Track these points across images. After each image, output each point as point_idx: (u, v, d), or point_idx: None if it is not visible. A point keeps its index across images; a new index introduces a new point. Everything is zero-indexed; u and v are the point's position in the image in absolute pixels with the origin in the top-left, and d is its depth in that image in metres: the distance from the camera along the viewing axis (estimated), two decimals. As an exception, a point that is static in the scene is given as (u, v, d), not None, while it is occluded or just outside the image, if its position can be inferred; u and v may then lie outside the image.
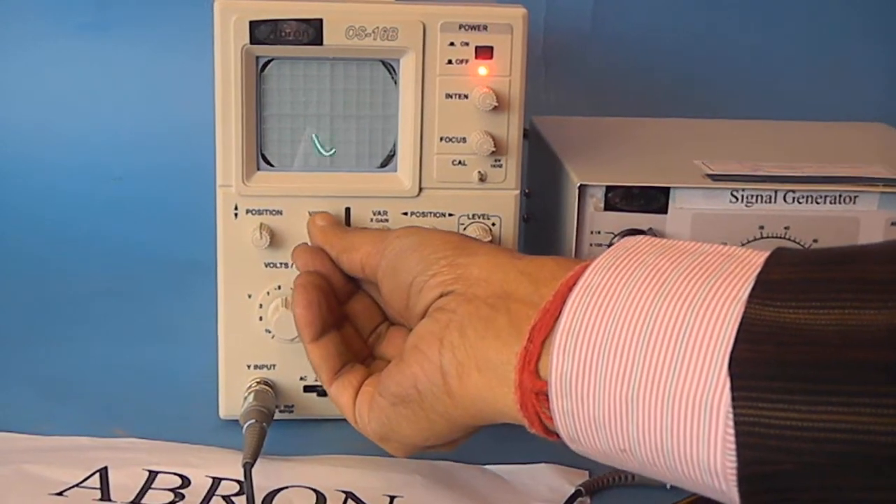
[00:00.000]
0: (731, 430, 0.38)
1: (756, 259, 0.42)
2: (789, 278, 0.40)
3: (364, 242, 0.58)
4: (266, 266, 0.62)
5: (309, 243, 0.62)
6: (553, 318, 0.45)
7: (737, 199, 0.64)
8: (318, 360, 0.57)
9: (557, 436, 0.46)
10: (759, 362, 0.38)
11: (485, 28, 0.60)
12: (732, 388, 0.38)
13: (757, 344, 0.38)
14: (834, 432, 0.36)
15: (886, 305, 0.37)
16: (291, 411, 0.64)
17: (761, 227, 0.64)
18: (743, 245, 0.64)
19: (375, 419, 0.54)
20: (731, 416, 0.38)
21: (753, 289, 0.40)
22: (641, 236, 0.47)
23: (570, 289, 0.45)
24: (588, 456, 0.46)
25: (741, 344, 0.38)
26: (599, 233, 0.64)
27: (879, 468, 0.36)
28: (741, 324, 0.39)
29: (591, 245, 0.64)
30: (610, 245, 0.63)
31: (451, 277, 0.52)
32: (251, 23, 0.59)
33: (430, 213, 0.63)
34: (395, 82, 0.61)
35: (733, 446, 0.38)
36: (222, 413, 0.64)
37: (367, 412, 0.55)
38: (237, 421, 0.61)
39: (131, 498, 0.57)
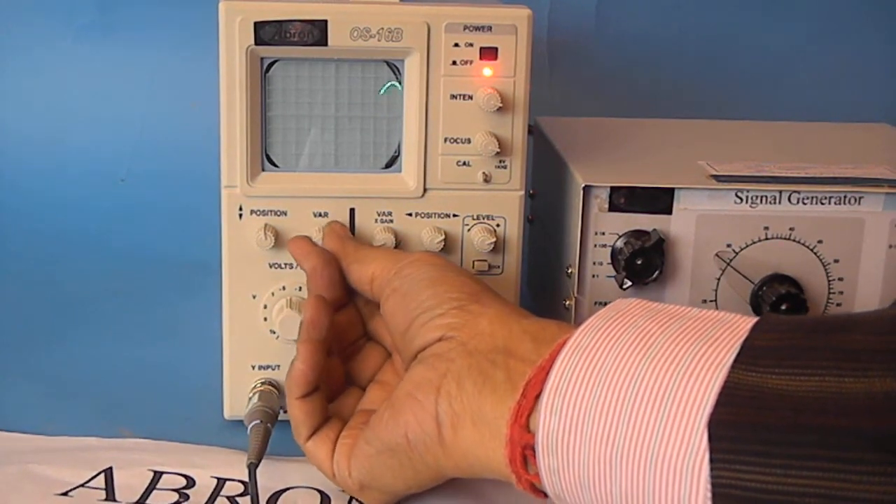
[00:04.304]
0: (710, 493, 0.38)
1: (744, 325, 0.42)
2: (774, 345, 0.40)
3: (378, 257, 0.59)
4: (271, 267, 0.62)
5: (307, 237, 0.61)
6: (546, 375, 0.45)
7: (741, 199, 0.64)
8: (301, 416, 0.57)
9: (544, 494, 0.46)
10: (737, 425, 0.38)
11: (489, 29, 0.60)
12: (711, 450, 0.38)
13: (737, 407, 0.39)
14: (807, 497, 0.36)
15: (865, 374, 0.37)
16: (296, 412, 0.64)
17: (766, 228, 0.64)
18: (748, 245, 0.64)
19: (357, 467, 0.54)
20: (710, 478, 0.38)
21: (738, 355, 0.40)
22: (634, 299, 0.48)
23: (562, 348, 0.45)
24: None
25: (721, 407, 0.39)
26: (604, 234, 0.64)
27: None
28: (723, 388, 0.39)
29: (595, 246, 0.64)
30: (613, 246, 0.64)
31: (458, 322, 0.52)
32: (256, 24, 0.59)
33: (435, 213, 0.63)
34: (400, 83, 0.61)
35: None
36: (227, 413, 0.64)
37: (347, 461, 0.55)
38: (242, 421, 0.61)
39: (136, 498, 0.57)
